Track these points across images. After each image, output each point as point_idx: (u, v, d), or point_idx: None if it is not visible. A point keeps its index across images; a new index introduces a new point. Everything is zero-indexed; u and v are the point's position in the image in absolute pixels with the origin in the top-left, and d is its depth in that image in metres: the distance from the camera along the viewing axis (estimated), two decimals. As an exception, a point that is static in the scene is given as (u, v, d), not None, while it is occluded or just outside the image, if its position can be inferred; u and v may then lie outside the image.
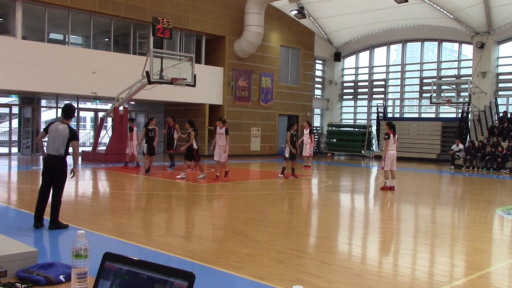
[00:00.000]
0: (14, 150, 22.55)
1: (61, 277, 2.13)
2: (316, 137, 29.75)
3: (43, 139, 7.21)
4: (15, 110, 23.45)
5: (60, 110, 23.97)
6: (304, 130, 18.20)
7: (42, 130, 7.02)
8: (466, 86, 23.43)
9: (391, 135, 12.27)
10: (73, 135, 6.88)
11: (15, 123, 23.57)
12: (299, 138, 18.14)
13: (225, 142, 13.31)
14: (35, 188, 11.86)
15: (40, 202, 6.93)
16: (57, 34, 22.36)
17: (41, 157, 6.99)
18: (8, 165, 17.83)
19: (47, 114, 28.33)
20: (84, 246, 1.88)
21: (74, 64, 19.19)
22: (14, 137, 23.39)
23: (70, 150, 6.98)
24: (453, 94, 24.51)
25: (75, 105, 23.28)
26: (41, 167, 7.23)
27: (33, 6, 19.11)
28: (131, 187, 12.84)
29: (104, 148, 20.53)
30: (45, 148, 7.02)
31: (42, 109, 24.30)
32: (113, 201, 10.25)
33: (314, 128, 30.42)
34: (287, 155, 14.76)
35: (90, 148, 22.28)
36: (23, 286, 2.07)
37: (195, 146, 13.48)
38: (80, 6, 19.49)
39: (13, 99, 23.62)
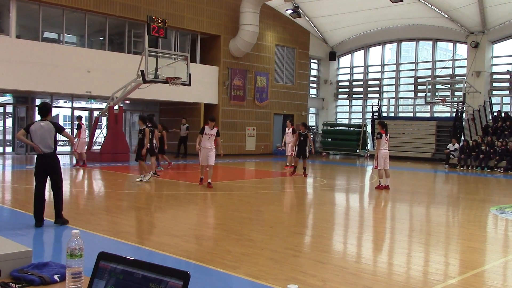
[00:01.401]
0: (8, 149, 22.47)
1: (56, 277, 2.12)
2: (312, 135, 29.81)
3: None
4: (9, 109, 23.35)
5: (54, 110, 23.76)
6: (286, 129, 18.01)
7: (22, 128, 7.21)
8: (461, 85, 23.51)
9: (383, 134, 12.36)
10: (59, 128, 7.08)
11: (9, 122, 23.49)
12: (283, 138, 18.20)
13: (213, 144, 11.87)
14: (30, 188, 11.82)
15: (38, 202, 7.01)
16: (51, 33, 22.27)
17: (35, 156, 7.10)
18: (2, 164, 17.75)
19: (42, 113, 28.18)
20: (78, 245, 1.87)
21: (68, 63, 19.13)
22: (8, 137, 23.29)
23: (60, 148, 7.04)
24: (448, 94, 24.58)
25: (70, 104, 23.29)
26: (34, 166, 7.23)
27: (27, 4, 19.03)
28: (126, 186, 12.80)
29: (99, 147, 20.47)
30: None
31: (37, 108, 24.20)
32: (108, 200, 10.23)
33: (310, 127, 30.47)
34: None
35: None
36: (17, 286, 2.06)
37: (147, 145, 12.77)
38: (75, 5, 19.42)
39: (7, 98, 23.53)
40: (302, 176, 15.00)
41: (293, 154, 17.56)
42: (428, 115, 28.07)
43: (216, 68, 24.37)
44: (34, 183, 7.18)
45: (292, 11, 25.38)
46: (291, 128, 17.69)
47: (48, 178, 7.17)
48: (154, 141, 13.80)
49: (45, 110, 7.07)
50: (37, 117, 24.00)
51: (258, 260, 5.49)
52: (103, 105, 21.48)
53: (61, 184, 7.18)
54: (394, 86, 29.79)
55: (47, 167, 7.00)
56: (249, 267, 5.19)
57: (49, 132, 6.90)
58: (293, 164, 17.74)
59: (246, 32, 23.87)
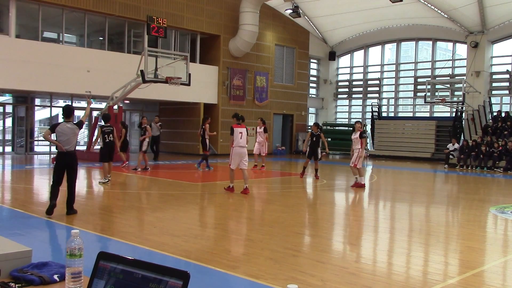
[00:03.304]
0: (8, 149, 22.46)
1: (55, 277, 2.12)
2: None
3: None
4: (9, 109, 23.34)
5: (54, 109, 23.78)
6: (258, 128, 17.40)
7: (48, 129, 7.86)
8: (460, 85, 23.53)
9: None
10: (80, 125, 7.93)
11: (9, 122, 23.48)
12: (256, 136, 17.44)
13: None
14: (29, 188, 11.83)
15: (55, 188, 7.69)
16: (51, 32, 22.27)
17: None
18: (1, 164, 17.73)
19: (41, 113, 28.18)
20: (78, 245, 1.87)
21: (68, 63, 19.12)
22: (8, 136, 23.27)
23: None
24: (447, 94, 24.61)
25: (70, 104, 23.29)
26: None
27: (27, 4, 19.02)
28: (125, 186, 12.80)
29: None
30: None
31: (36, 108, 24.20)
32: (107, 200, 10.23)
33: (309, 127, 30.46)
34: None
35: (84, 147, 22.21)
36: (17, 285, 2.06)
37: (97, 145, 12.71)
38: (74, 4, 19.41)
39: (7, 98, 23.53)
40: (315, 178, 14.48)
41: (266, 154, 17.26)
42: (427, 115, 28.08)
43: (215, 68, 24.36)
44: (52, 176, 7.76)
45: (291, 11, 25.37)
46: (262, 127, 17.17)
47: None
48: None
49: (68, 112, 7.81)
50: (37, 115, 23.87)
51: (257, 260, 5.49)
52: (103, 105, 21.46)
53: (76, 180, 7.85)
54: (393, 86, 29.80)
55: (68, 163, 7.68)
56: (249, 267, 5.19)
57: (74, 133, 7.71)
58: (259, 164, 17.25)
59: (246, 32, 23.86)
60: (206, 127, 15.94)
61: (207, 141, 16.04)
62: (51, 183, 7.78)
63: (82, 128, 8.06)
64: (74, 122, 7.86)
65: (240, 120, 10.96)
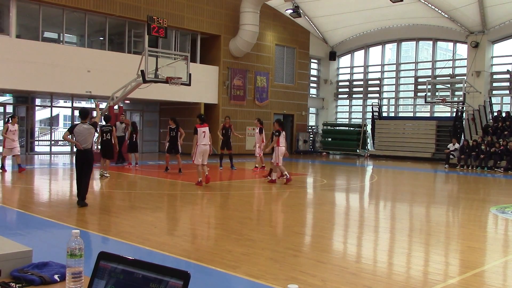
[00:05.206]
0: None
1: (56, 277, 2.12)
2: (311, 136, 29.79)
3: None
4: (9, 109, 23.35)
5: (54, 109, 23.71)
6: (255, 128, 17.07)
7: (67, 130, 8.79)
8: (461, 85, 23.51)
9: (282, 132, 13.05)
10: (95, 127, 8.94)
11: (9, 122, 23.46)
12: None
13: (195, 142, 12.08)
14: (30, 188, 11.83)
15: (79, 185, 8.66)
16: (51, 32, 22.27)
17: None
18: (1, 164, 17.69)
19: (42, 113, 28.21)
20: (78, 245, 1.87)
21: (68, 63, 19.13)
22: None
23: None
24: (448, 93, 24.59)
25: (70, 104, 23.28)
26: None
27: (27, 4, 19.03)
28: (125, 186, 12.81)
29: (99, 147, 20.45)
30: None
31: (37, 108, 24.21)
32: (107, 200, 10.23)
33: (310, 127, 30.48)
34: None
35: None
36: (17, 285, 2.07)
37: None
38: (75, 4, 19.43)
39: (7, 98, 23.55)
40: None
41: (260, 155, 16.91)
42: (428, 115, 28.07)
43: (216, 68, 24.36)
44: (75, 172, 8.85)
45: (292, 11, 25.38)
46: (258, 128, 16.71)
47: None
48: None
49: (85, 114, 8.73)
50: (38, 115, 23.87)
51: (258, 260, 5.49)
52: (103, 105, 21.47)
53: (90, 175, 8.79)
54: (394, 86, 29.79)
55: (84, 160, 8.56)
56: (249, 267, 5.19)
57: (90, 132, 8.58)
58: (260, 164, 17.08)
59: (246, 32, 23.87)
60: (232, 127, 16.86)
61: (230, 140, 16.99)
62: (76, 179, 8.79)
63: (96, 128, 9.11)
64: (91, 123, 8.80)
65: (202, 121, 12.29)
